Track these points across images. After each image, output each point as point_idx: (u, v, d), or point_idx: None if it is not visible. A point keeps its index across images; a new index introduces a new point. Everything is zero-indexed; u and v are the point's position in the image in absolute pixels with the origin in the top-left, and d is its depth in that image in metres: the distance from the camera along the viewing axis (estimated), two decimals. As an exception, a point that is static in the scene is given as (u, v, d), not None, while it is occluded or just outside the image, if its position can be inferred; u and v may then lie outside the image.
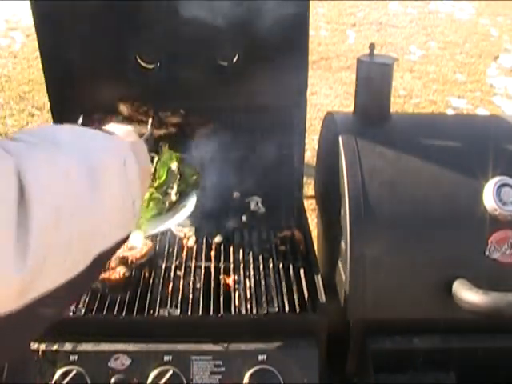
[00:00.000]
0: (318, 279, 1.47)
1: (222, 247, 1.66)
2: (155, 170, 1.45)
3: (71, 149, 0.66)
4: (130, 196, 0.73)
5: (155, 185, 1.45)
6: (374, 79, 1.58)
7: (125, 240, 0.74)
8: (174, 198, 1.44)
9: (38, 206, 0.55)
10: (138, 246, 1.48)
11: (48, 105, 1.90)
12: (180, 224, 1.81)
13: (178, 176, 1.46)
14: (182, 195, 1.46)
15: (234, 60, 1.85)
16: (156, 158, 1.47)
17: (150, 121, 1.64)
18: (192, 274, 1.52)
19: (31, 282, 0.54)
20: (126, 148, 0.78)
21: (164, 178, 1.45)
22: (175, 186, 1.45)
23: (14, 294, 0.53)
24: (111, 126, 0.93)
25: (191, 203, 1.46)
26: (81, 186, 0.62)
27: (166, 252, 1.64)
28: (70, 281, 0.60)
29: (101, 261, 0.67)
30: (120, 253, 1.49)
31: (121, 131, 0.90)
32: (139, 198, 0.77)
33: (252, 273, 1.53)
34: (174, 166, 1.48)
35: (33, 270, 0.54)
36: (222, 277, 1.52)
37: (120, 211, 0.70)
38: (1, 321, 0.52)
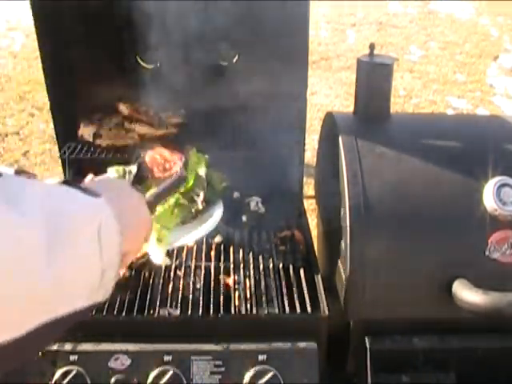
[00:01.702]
0: (318, 279, 1.47)
1: (221, 247, 1.66)
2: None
3: (35, 210, 0.60)
4: (99, 264, 0.66)
5: (181, 190, 1.33)
6: (374, 79, 1.58)
7: (90, 309, 0.67)
8: (200, 205, 1.33)
9: None
10: (158, 262, 1.29)
11: (48, 105, 1.90)
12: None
13: (206, 182, 1.35)
14: (208, 203, 1.35)
15: (234, 60, 1.85)
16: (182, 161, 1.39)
17: (180, 164, 1.44)
18: (192, 274, 1.52)
19: None
20: (106, 211, 0.70)
21: (191, 183, 1.33)
22: (202, 193, 1.33)
23: None
24: (103, 182, 0.84)
25: (218, 213, 1.34)
26: (34, 251, 0.58)
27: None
28: (14, 340, 0.57)
29: (54, 327, 0.61)
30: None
31: (111, 187, 0.81)
32: (113, 268, 0.70)
33: (252, 273, 1.53)
34: (202, 171, 1.37)
35: None
36: (221, 277, 1.52)
37: (83, 280, 0.65)
38: None
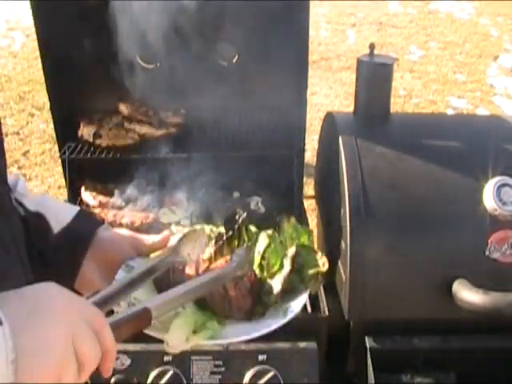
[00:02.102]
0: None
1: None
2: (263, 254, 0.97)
3: None
4: None
5: (254, 272, 0.94)
6: (374, 79, 1.58)
7: None
8: (273, 299, 0.91)
9: None
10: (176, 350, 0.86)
11: (48, 105, 1.90)
12: (180, 224, 1.81)
13: (290, 267, 0.94)
14: (289, 293, 0.93)
15: (234, 60, 1.85)
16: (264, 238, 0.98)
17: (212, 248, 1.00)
18: (192, 274, 1.52)
19: None
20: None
21: (276, 268, 0.94)
22: (280, 283, 0.91)
23: None
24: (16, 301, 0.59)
25: (296, 306, 0.91)
26: None
27: (166, 252, 1.64)
28: None
29: None
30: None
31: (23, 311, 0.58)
32: None
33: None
34: (291, 251, 0.95)
35: None
36: (221, 277, 1.51)
37: None
38: None
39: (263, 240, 0.98)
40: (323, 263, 0.96)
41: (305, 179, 2.01)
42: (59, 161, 1.93)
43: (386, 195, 1.39)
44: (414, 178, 1.42)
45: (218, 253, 0.96)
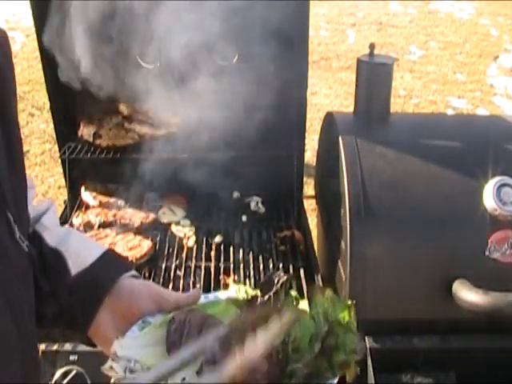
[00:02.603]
0: (318, 279, 1.47)
1: (222, 247, 1.66)
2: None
3: None
4: None
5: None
6: (374, 79, 1.58)
7: None
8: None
9: None
10: None
11: (48, 105, 1.90)
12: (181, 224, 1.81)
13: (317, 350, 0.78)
14: (313, 376, 0.78)
15: (234, 60, 1.85)
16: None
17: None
18: (192, 274, 1.52)
19: None
20: None
21: (304, 346, 0.79)
22: (305, 367, 0.76)
23: None
24: None
25: None
26: None
27: (166, 252, 1.64)
28: None
29: None
30: (120, 253, 1.49)
31: None
32: None
33: (252, 273, 1.53)
34: (323, 330, 0.81)
35: None
36: (221, 277, 1.52)
37: None
38: None
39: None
40: (360, 349, 0.80)
41: (305, 179, 2.01)
42: (59, 161, 1.93)
43: (385, 195, 1.39)
44: (413, 178, 1.42)
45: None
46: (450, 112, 4.85)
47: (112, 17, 1.64)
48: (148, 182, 1.83)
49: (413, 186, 1.41)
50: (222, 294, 0.89)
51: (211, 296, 0.89)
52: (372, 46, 1.59)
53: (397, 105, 4.85)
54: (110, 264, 0.85)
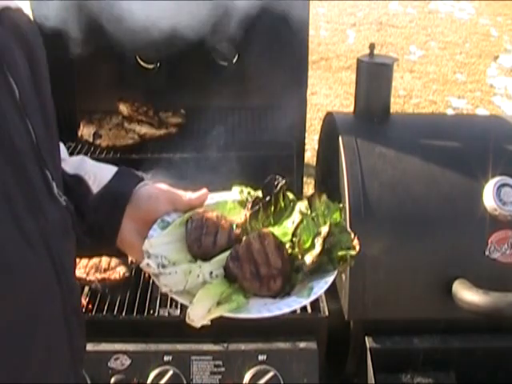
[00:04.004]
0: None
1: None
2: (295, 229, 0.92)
3: None
4: None
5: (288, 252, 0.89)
6: (374, 79, 1.58)
7: None
8: (300, 278, 0.88)
9: None
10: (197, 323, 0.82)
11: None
12: None
13: (321, 247, 0.89)
14: (315, 272, 0.90)
15: (234, 60, 1.85)
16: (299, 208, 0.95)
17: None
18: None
19: None
20: None
21: (307, 246, 0.90)
22: (310, 262, 0.88)
23: None
24: None
25: (321, 287, 0.87)
26: None
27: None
28: None
29: None
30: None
31: None
32: None
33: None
34: (324, 231, 0.91)
35: None
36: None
37: None
38: None
39: (296, 215, 0.94)
40: (355, 245, 0.94)
41: (305, 179, 2.01)
42: (59, 161, 1.93)
43: (385, 195, 1.39)
44: (413, 178, 1.42)
45: (253, 217, 0.93)
46: (450, 112, 4.85)
47: None
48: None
49: (413, 185, 1.41)
50: (227, 195, 1.00)
51: (216, 196, 0.98)
52: (372, 46, 1.59)
53: (397, 105, 4.85)
54: (126, 178, 0.94)
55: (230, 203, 0.99)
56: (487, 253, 1.35)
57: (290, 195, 0.99)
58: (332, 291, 1.50)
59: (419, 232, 1.37)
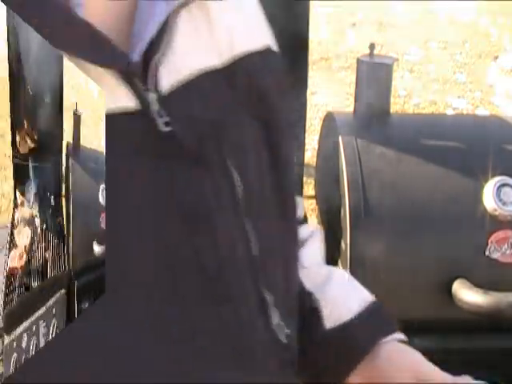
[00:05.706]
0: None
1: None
2: None
3: None
4: None
5: None
6: (373, 79, 1.58)
7: None
8: None
9: None
10: None
11: (48, 105, 1.90)
12: None
13: None
14: None
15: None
16: None
17: None
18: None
19: None
20: None
21: None
22: None
23: None
24: None
25: None
26: None
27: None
28: None
29: None
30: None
31: None
32: None
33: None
34: None
35: None
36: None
37: None
38: None
39: None
40: None
41: (305, 179, 2.01)
42: (59, 161, 1.93)
43: (385, 195, 1.39)
44: (414, 179, 1.42)
45: None
46: (450, 112, 4.85)
47: None
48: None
49: (413, 185, 1.41)
50: None
51: None
52: (372, 46, 1.59)
53: (397, 105, 4.84)
54: (372, 321, 0.68)
55: None
56: (487, 253, 1.35)
57: None
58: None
59: (419, 232, 1.37)
